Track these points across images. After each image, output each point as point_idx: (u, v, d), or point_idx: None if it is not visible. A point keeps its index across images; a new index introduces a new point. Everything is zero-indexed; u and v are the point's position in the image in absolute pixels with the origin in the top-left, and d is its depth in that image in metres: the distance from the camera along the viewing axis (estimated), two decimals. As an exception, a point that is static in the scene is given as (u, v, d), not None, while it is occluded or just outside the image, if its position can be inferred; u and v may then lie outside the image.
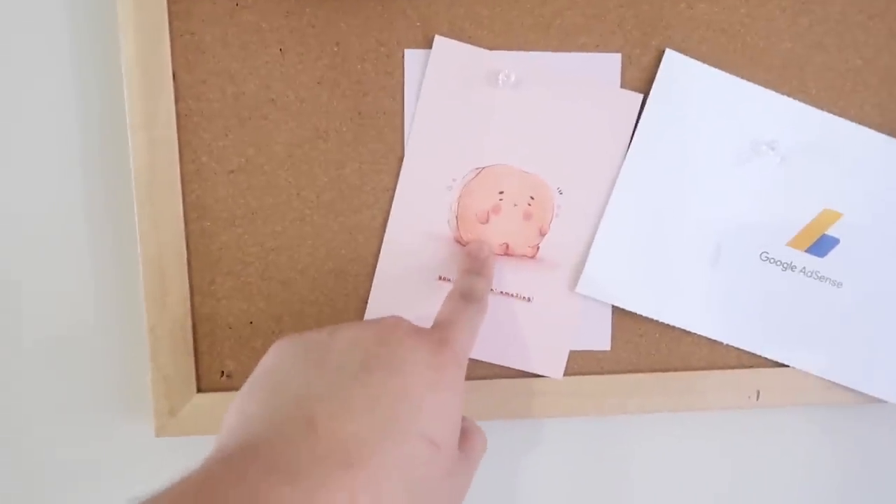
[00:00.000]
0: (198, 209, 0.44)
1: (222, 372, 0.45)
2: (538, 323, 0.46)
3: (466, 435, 0.36)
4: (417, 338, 0.34)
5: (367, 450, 0.29)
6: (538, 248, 0.45)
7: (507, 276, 0.46)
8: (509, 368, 0.47)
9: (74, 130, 0.44)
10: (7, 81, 0.43)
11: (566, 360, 0.47)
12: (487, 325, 0.44)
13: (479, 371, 0.47)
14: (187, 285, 0.44)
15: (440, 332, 0.35)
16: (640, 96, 0.44)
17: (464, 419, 0.36)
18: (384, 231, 0.45)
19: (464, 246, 0.45)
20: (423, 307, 0.44)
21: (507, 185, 0.45)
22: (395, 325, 0.34)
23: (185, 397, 0.44)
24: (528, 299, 0.46)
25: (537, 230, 0.45)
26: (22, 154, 0.44)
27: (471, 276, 0.41)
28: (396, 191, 0.44)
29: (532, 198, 0.45)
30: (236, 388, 0.45)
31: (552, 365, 0.47)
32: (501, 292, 0.46)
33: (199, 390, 0.45)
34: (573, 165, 0.45)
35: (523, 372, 0.47)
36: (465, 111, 0.44)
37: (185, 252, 0.44)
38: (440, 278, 0.45)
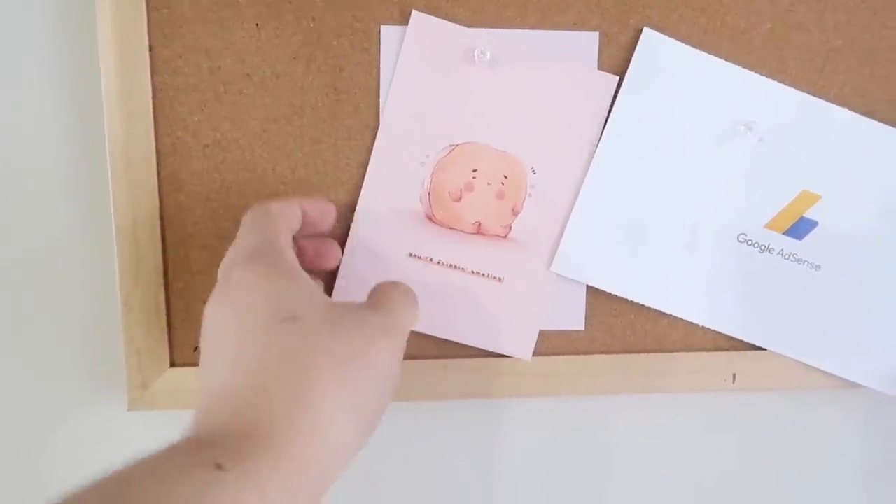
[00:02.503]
0: (173, 182, 0.44)
1: (195, 347, 0.45)
2: (508, 303, 0.46)
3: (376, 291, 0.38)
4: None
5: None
6: (510, 228, 0.45)
7: (478, 255, 0.45)
8: (478, 349, 0.47)
9: (51, 103, 0.44)
10: (-16, 53, 0.43)
11: (535, 341, 0.47)
12: (458, 305, 0.45)
13: (450, 350, 0.46)
14: (161, 258, 0.44)
15: None
16: (616, 78, 0.44)
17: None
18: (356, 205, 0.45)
19: (433, 223, 0.45)
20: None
21: (480, 163, 0.45)
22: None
23: (158, 371, 0.45)
24: (500, 279, 0.46)
25: (510, 209, 0.45)
26: (-1, 126, 0.44)
27: None
28: (369, 165, 0.44)
29: (505, 177, 0.45)
30: (210, 363, 0.45)
31: (521, 346, 0.46)
32: (473, 272, 0.46)
33: (172, 364, 0.45)
34: (547, 145, 0.45)
35: (492, 352, 0.47)
36: (441, 88, 0.44)
37: (159, 225, 0.44)
38: (411, 255, 0.45)
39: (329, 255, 0.44)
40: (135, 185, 0.43)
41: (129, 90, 0.42)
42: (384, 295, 0.38)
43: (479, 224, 0.45)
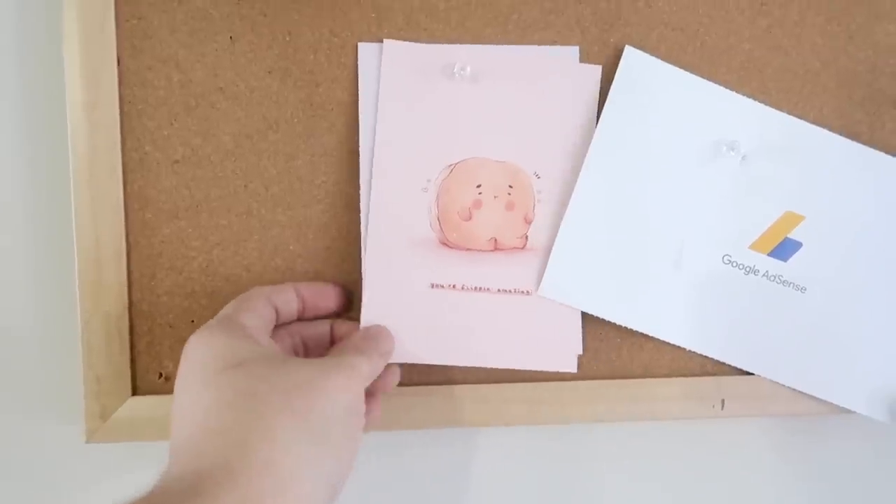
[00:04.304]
0: (139, 200, 0.42)
1: (160, 374, 0.43)
2: (541, 316, 0.44)
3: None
4: None
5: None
6: (526, 238, 0.44)
7: (500, 272, 0.44)
8: (515, 371, 0.45)
9: (12, 113, 0.42)
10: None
11: (579, 350, 0.44)
12: (490, 329, 0.43)
13: (432, 377, 0.44)
14: (125, 279, 0.42)
15: None
16: (599, 67, 0.43)
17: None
18: (334, 225, 0.43)
19: (448, 248, 0.43)
20: (419, 318, 0.43)
21: (483, 177, 0.43)
22: None
23: (119, 400, 0.42)
24: (527, 292, 0.44)
25: (522, 218, 0.44)
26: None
27: None
28: (371, 200, 0.42)
29: (511, 186, 0.43)
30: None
31: (564, 358, 0.44)
32: (499, 290, 0.44)
33: (135, 392, 0.42)
34: (545, 147, 0.44)
35: (494, 376, 0.45)
36: (428, 110, 0.43)
37: (124, 244, 0.42)
38: (433, 286, 0.43)
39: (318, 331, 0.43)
40: (99, 201, 0.41)
41: (96, 102, 0.40)
42: (343, 342, 0.40)
43: (495, 240, 0.44)
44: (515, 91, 0.43)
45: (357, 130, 0.43)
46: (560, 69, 0.43)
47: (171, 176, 0.42)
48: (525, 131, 0.43)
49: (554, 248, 0.44)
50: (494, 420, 0.45)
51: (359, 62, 0.42)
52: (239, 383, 0.32)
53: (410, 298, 0.43)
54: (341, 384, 0.34)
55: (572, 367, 0.44)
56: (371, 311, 0.43)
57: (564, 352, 0.44)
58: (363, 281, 0.43)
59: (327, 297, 0.42)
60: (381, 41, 0.42)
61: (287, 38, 0.42)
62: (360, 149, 0.42)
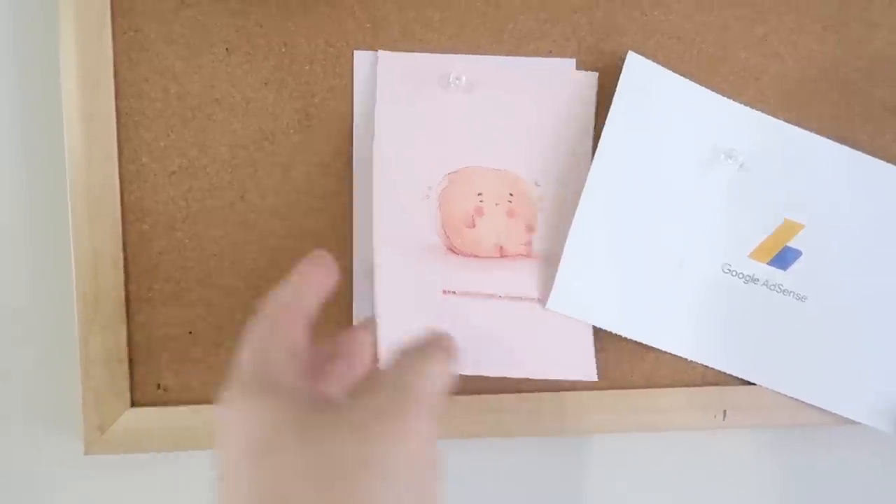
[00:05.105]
0: (136, 211, 0.42)
1: (158, 385, 0.43)
2: (554, 323, 0.43)
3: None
4: None
5: None
6: (531, 245, 0.44)
7: (509, 279, 0.43)
8: (516, 381, 0.43)
9: (9, 126, 0.42)
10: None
11: (595, 357, 0.43)
12: (507, 337, 0.42)
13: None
14: (123, 291, 0.42)
15: None
16: (596, 74, 0.43)
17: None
18: (331, 235, 0.43)
19: (456, 255, 0.43)
20: (434, 324, 0.41)
21: (482, 185, 0.43)
22: None
23: (117, 411, 0.42)
24: (538, 300, 0.43)
25: (524, 227, 0.44)
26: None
27: None
28: (374, 209, 0.42)
29: (511, 194, 0.43)
30: (173, 403, 0.43)
31: (582, 366, 0.43)
32: (510, 297, 0.43)
33: (133, 404, 0.42)
34: (544, 156, 0.43)
35: (491, 387, 0.43)
36: (425, 119, 0.43)
37: (121, 256, 0.42)
38: (445, 292, 0.43)
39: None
40: (96, 213, 0.41)
41: (92, 114, 0.40)
42: (397, 364, 0.30)
43: (501, 248, 0.43)
44: (511, 100, 0.43)
45: (352, 140, 0.43)
46: (556, 78, 0.43)
47: (167, 187, 0.42)
48: (522, 140, 0.43)
49: (561, 263, 0.43)
50: (493, 431, 0.45)
51: (354, 71, 0.43)
52: (265, 484, 0.26)
53: (425, 304, 0.42)
54: (395, 442, 0.27)
55: (592, 375, 0.43)
56: (389, 322, 0.40)
57: (582, 359, 0.43)
58: (375, 294, 0.41)
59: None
60: (377, 51, 0.42)
61: (283, 49, 0.42)
62: (354, 158, 0.42)
